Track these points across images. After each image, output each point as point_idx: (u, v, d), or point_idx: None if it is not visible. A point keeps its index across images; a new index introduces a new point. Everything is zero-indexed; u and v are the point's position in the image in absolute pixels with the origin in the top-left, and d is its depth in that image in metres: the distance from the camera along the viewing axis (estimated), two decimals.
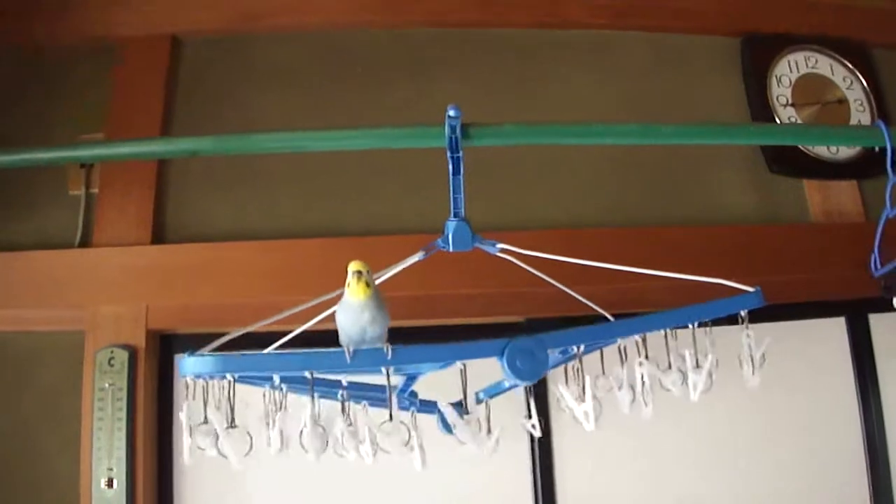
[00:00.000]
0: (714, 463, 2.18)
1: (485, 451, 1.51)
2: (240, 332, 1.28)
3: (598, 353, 1.55)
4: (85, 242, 2.11)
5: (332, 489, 2.04)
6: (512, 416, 1.69)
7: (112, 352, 1.95)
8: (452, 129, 1.35)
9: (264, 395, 1.30)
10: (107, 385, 1.94)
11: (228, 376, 1.15)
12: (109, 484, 1.89)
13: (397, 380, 1.48)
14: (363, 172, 2.21)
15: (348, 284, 1.18)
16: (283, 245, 2.07)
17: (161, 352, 2.07)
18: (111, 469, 1.90)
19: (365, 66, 2.35)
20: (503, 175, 2.24)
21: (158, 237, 2.12)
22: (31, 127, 2.21)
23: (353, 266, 1.17)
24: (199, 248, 2.08)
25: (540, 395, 2.01)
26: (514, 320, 2.15)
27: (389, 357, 1.12)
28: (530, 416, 1.62)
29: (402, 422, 1.18)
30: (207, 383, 1.23)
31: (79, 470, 1.92)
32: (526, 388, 1.65)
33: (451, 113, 1.33)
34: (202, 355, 1.15)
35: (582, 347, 1.21)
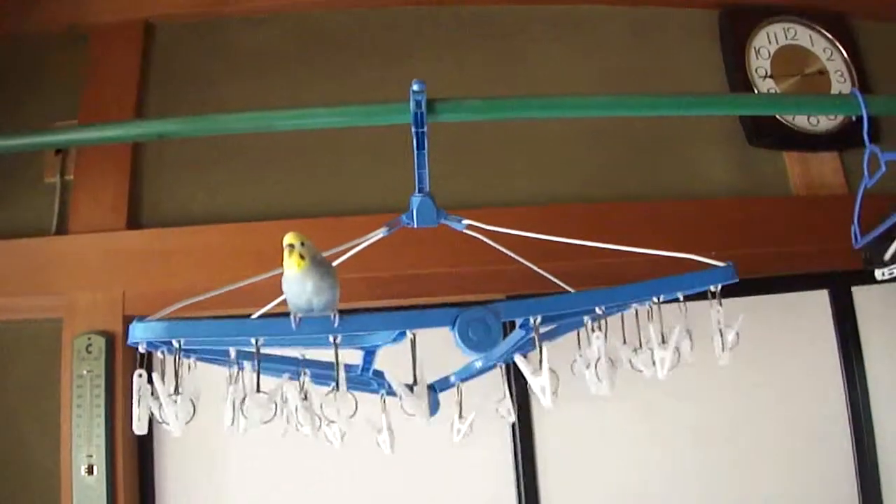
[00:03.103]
0: (697, 438, 2.17)
1: (456, 436, 1.51)
2: (189, 302, 1.28)
3: (575, 335, 1.54)
4: (61, 229, 2.11)
5: (311, 471, 2.04)
6: (493, 400, 1.69)
7: (89, 338, 1.95)
8: (417, 103, 1.35)
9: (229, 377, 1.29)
10: (85, 372, 1.93)
11: (175, 343, 1.14)
12: (90, 471, 1.89)
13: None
14: (341, 153, 2.20)
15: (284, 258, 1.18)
16: (259, 227, 2.05)
17: None
18: (91, 456, 1.90)
19: (339, 46, 2.33)
20: (480, 152, 2.23)
21: (134, 222, 2.11)
22: (5, 115, 2.20)
23: (286, 239, 1.17)
24: (174, 232, 2.07)
25: (520, 379, 2.00)
26: (494, 298, 2.13)
27: (336, 324, 1.11)
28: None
29: (349, 392, 1.17)
30: (164, 357, 1.22)
31: (59, 458, 1.92)
32: (503, 370, 1.65)
33: (415, 87, 1.33)
34: (150, 321, 1.14)
35: (539, 319, 1.19)
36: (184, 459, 2.03)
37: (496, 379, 1.66)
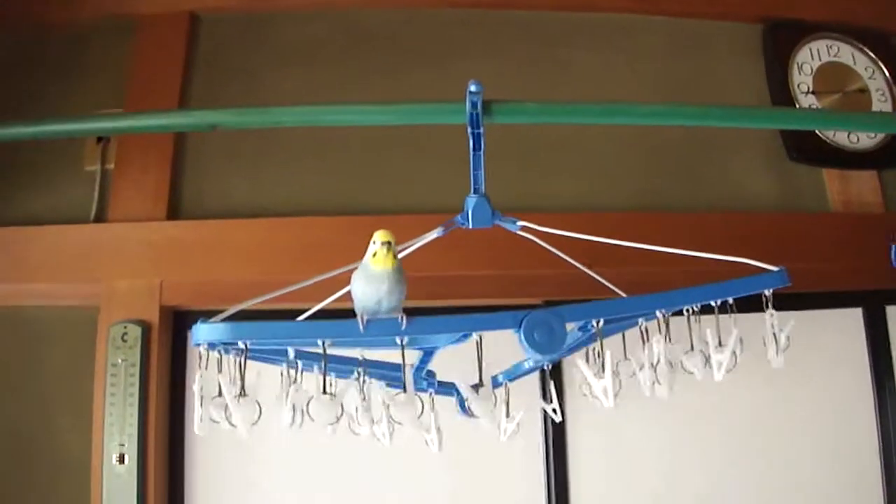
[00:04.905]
0: (729, 453, 2.17)
1: (503, 435, 1.51)
2: (250, 303, 1.27)
3: (619, 337, 1.54)
4: (100, 217, 2.11)
5: (344, 467, 2.04)
6: (526, 402, 1.68)
7: (125, 327, 1.95)
8: (473, 104, 1.34)
9: (280, 374, 1.29)
10: (119, 360, 1.93)
11: (241, 344, 1.13)
12: (121, 460, 1.89)
13: (414, 357, 1.47)
14: (383, 149, 2.21)
15: (374, 254, 1.16)
16: (299, 222, 2.06)
17: (174, 328, 2.07)
18: (123, 445, 1.90)
19: (384, 45, 2.34)
20: (526, 157, 2.24)
21: (174, 213, 2.12)
22: (50, 103, 2.21)
23: (383, 236, 1.16)
24: (214, 224, 2.07)
25: (556, 381, 2.00)
26: (531, 302, 2.13)
27: (404, 327, 1.11)
28: (550, 400, 1.61)
29: (416, 394, 1.17)
30: (221, 356, 1.22)
31: (90, 446, 1.93)
32: (544, 372, 1.65)
33: (473, 88, 1.32)
34: (215, 322, 1.14)
35: (601, 321, 1.19)
36: (215, 449, 2.03)
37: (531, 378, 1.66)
